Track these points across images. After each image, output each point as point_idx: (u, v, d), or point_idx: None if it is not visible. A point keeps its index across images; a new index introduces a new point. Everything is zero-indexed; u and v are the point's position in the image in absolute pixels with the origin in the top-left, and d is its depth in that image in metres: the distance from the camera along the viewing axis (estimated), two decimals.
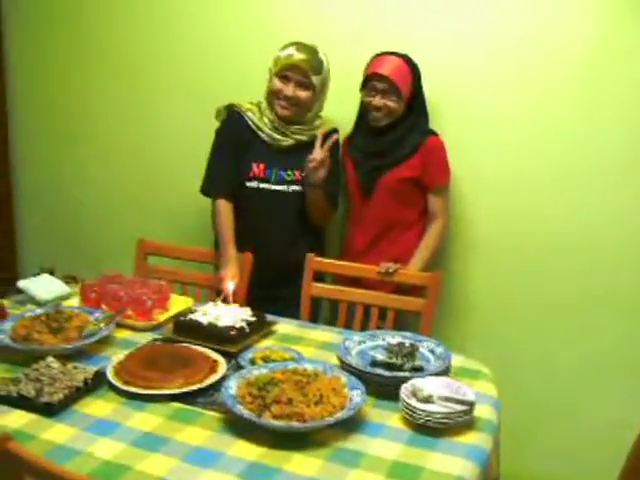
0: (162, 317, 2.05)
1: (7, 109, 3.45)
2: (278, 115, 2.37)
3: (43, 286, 2.20)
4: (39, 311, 1.98)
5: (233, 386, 1.54)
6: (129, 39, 3.09)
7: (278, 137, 2.39)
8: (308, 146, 2.36)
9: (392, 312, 2.22)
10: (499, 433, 1.58)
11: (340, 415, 1.43)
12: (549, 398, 2.61)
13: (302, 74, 2.30)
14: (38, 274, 2.48)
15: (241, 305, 2.06)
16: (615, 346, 2.49)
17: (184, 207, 2.70)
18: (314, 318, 2.35)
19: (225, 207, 2.39)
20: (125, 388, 1.60)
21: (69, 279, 2.49)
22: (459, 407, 1.46)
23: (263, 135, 2.39)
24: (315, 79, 2.32)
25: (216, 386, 1.60)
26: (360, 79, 2.41)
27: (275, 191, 2.41)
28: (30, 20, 3.31)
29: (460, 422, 1.44)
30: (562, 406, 2.60)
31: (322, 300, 2.44)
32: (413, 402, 1.48)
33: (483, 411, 1.54)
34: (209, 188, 2.44)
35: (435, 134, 2.41)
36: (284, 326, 2.06)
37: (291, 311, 2.26)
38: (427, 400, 1.49)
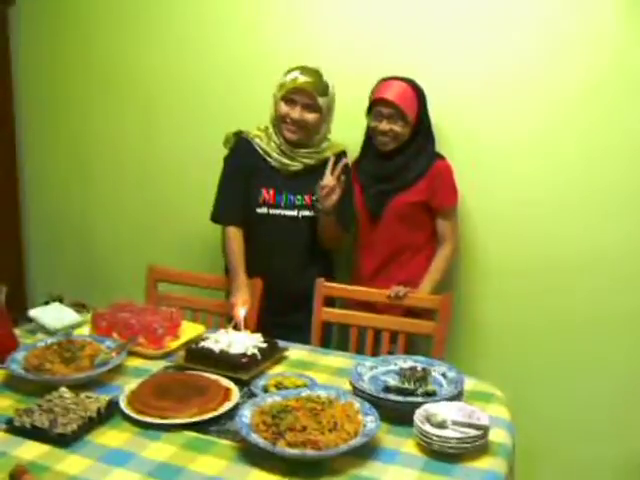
0: (173, 344, 2.05)
1: (17, 139, 3.49)
2: (286, 139, 2.38)
3: (53, 315, 2.21)
4: (51, 340, 1.98)
5: (247, 414, 1.54)
6: (139, 66, 3.13)
7: (286, 162, 2.40)
8: (317, 170, 2.37)
9: (403, 336, 2.21)
10: (514, 457, 1.57)
11: (354, 442, 1.42)
12: (563, 419, 2.60)
13: (308, 97, 2.31)
14: (47, 302, 2.50)
15: (252, 331, 2.06)
16: (630, 365, 2.48)
17: (194, 234, 2.72)
18: (325, 343, 2.34)
19: (235, 234, 2.39)
20: (139, 418, 1.59)
21: (79, 307, 2.51)
22: (473, 432, 1.45)
23: (271, 160, 2.40)
24: (321, 101, 2.32)
25: (229, 414, 1.60)
26: (366, 103, 2.43)
27: (285, 216, 2.41)
28: (37, 45, 3.36)
29: (475, 447, 1.43)
30: (576, 427, 2.58)
31: (332, 325, 2.44)
32: (427, 428, 1.47)
33: (497, 435, 1.53)
34: (219, 216, 2.45)
35: (442, 157, 2.43)
36: (296, 352, 2.06)
37: (302, 336, 2.26)
38: (441, 425, 1.49)
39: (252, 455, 1.45)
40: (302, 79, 2.31)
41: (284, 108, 2.35)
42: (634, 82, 2.32)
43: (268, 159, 2.41)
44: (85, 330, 2.17)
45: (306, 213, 2.42)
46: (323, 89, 2.33)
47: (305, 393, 1.63)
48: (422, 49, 2.57)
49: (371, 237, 2.49)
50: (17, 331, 2.14)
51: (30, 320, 2.21)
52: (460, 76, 2.53)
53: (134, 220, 3.27)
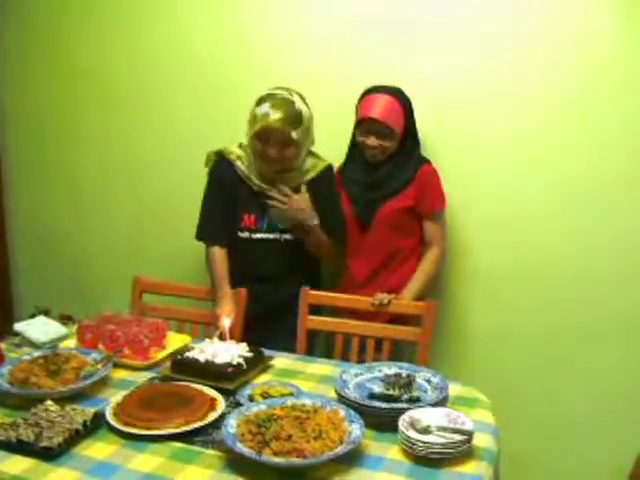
0: (159, 355, 2.05)
1: (1, 151, 3.47)
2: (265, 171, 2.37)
3: (39, 328, 2.20)
4: (37, 354, 1.98)
5: (233, 424, 1.55)
6: (124, 78, 3.13)
7: (267, 187, 2.38)
8: (299, 192, 2.37)
9: (388, 342, 2.23)
10: (499, 461, 1.59)
11: (340, 449, 1.43)
12: (550, 425, 2.62)
13: (282, 134, 2.25)
14: (34, 315, 2.49)
15: (238, 341, 2.07)
16: (618, 372, 2.50)
17: (182, 246, 2.71)
18: (310, 350, 2.35)
19: (218, 253, 2.41)
20: (125, 429, 1.60)
21: (65, 319, 2.50)
22: (458, 437, 1.47)
23: (252, 185, 2.39)
24: (296, 134, 2.26)
25: (215, 424, 1.61)
26: (351, 108, 2.44)
27: (267, 240, 2.41)
28: (19, 55, 3.35)
29: (459, 452, 1.45)
30: (563, 433, 2.60)
31: (318, 332, 2.45)
32: (412, 434, 1.49)
33: (482, 440, 1.54)
34: (202, 235, 2.46)
35: (427, 162, 2.45)
36: (281, 360, 2.06)
37: (288, 342, 2.27)
38: (426, 431, 1.50)
39: (238, 464, 1.46)
40: (273, 117, 2.23)
41: (259, 146, 2.30)
42: (623, 82, 2.34)
43: (249, 182, 2.40)
44: (71, 343, 2.17)
45: (288, 236, 2.42)
46: (296, 121, 2.27)
47: (290, 402, 1.64)
48: (409, 55, 2.57)
49: (361, 244, 2.50)
50: (3, 345, 2.14)
51: (16, 334, 2.20)
52: (448, 81, 2.55)
53: (122, 232, 3.27)
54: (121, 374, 1.97)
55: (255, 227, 2.40)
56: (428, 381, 1.77)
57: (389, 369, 1.84)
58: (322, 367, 2.02)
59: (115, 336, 2.05)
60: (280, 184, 2.35)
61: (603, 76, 2.36)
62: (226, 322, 2.07)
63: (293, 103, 2.27)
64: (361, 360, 2.19)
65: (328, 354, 2.32)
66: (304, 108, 2.30)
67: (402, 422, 1.52)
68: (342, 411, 1.59)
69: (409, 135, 2.42)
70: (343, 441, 1.48)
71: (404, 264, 2.47)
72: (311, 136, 2.39)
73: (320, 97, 2.61)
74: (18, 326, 2.20)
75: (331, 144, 2.51)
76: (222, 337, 2.04)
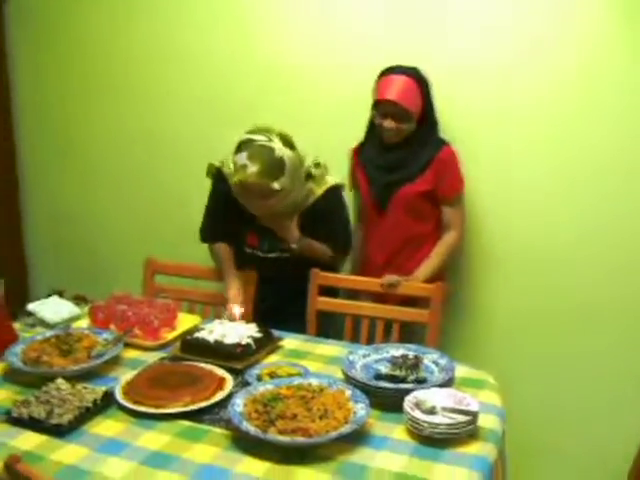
0: (170, 336, 2.07)
1: (14, 135, 3.51)
2: None
3: (52, 308, 2.23)
4: (49, 334, 2.01)
5: (240, 403, 1.57)
6: (136, 60, 3.13)
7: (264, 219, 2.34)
8: (298, 218, 2.33)
9: (397, 324, 2.23)
10: (504, 443, 1.59)
11: (344, 429, 1.44)
12: (562, 411, 2.61)
13: (261, 188, 2.12)
14: (49, 296, 2.53)
15: (247, 322, 2.09)
16: (628, 358, 2.48)
17: (194, 227, 2.72)
18: (324, 332, 2.34)
19: (222, 246, 2.44)
20: (134, 407, 1.62)
21: (79, 299, 2.53)
22: (462, 418, 1.47)
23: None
24: (278, 184, 2.11)
25: (223, 403, 1.63)
26: (368, 86, 2.39)
27: (270, 259, 2.39)
28: (32, 41, 3.37)
29: (464, 433, 1.45)
30: (574, 419, 2.60)
31: (331, 315, 2.44)
32: (417, 414, 1.49)
33: (487, 421, 1.55)
34: (206, 238, 2.48)
35: (447, 143, 2.39)
36: (291, 341, 2.08)
37: (299, 324, 2.29)
38: (431, 411, 1.50)
39: (244, 443, 1.47)
40: (250, 170, 2.07)
41: (239, 197, 2.21)
42: (630, 63, 2.30)
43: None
44: (84, 323, 2.20)
45: (287, 255, 2.37)
46: (277, 170, 2.11)
47: (297, 381, 1.65)
48: (424, 32, 2.53)
49: (378, 228, 2.47)
50: (16, 325, 2.18)
51: (29, 314, 2.23)
52: (463, 59, 2.50)
53: (135, 214, 3.30)
54: (132, 354, 2.00)
55: (257, 247, 2.40)
56: (435, 363, 1.78)
57: (396, 350, 1.85)
58: (331, 348, 2.03)
59: (126, 316, 2.08)
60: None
61: (612, 58, 2.32)
62: (236, 310, 2.09)
63: (272, 150, 2.10)
64: (371, 342, 2.20)
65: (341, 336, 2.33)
66: (287, 153, 2.13)
67: (408, 402, 1.53)
68: (348, 391, 1.60)
69: (427, 116, 2.38)
70: (348, 420, 1.49)
71: (421, 248, 2.44)
72: (300, 177, 2.24)
73: (339, 77, 2.60)
74: (32, 306, 2.24)
75: (352, 125, 2.49)
76: (231, 318, 2.06)
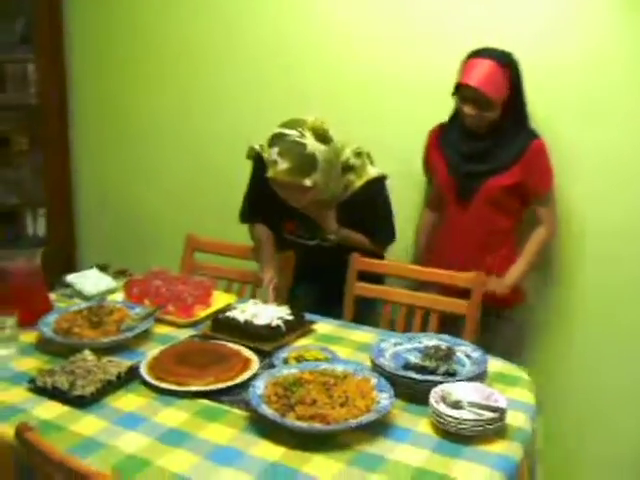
0: (203, 313, 2.05)
1: (68, 110, 3.57)
2: None
3: (90, 281, 2.25)
4: (84, 305, 2.02)
5: (261, 385, 1.53)
6: (183, 42, 3.13)
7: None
8: (337, 209, 2.24)
9: (436, 314, 2.14)
10: (534, 443, 1.50)
11: (363, 418, 1.39)
12: (597, 412, 2.49)
13: (292, 186, 2.07)
14: (92, 267, 2.55)
15: (282, 303, 2.05)
16: None
17: (235, 206, 2.71)
18: (362, 319, 2.25)
19: (262, 227, 2.38)
20: (155, 383, 1.61)
21: (120, 273, 2.54)
22: (489, 414, 1.39)
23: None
24: (310, 180, 2.04)
25: (245, 385, 1.59)
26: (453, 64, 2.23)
27: (309, 246, 2.32)
28: (92, 27, 3.41)
29: (489, 430, 1.38)
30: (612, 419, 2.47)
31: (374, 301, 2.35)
32: (442, 407, 1.43)
33: (516, 419, 1.47)
34: (247, 219, 2.42)
35: (537, 136, 2.21)
36: (324, 326, 2.02)
37: (338, 311, 2.24)
38: (457, 406, 1.44)
39: (262, 426, 1.44)
40: (280, 167, 2.02)
41: (276, 189, 2.14)
42: None
43: None
44: (119, 296, 2.20)
45: (326, 244, 2.29)
46: (309, 167, 2.03)
47: (322, 367, 1.61)
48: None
49: (458, 221, 2.31)
50: (54, 295, 2.21)
51: (67, 285, 2.25)
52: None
53: (179, 189, 3.30)
54: (163, 330, 1.99)
55: (296, 234, 2.34)
56: (468, 356, 1.69)
57: (429, 340, 1.77)
58: (364, 335, 1.97)
59: (160, 292, 2.08)
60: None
61: None
62: (270, 292, 2.06)
63: (304, 147, 2.02)
64: (408, 330, 2.13)
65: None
66: (319, 149, 2.04)
67: (434, 395, 1.46)
68: (374, 379, 1.55)
69: (515, 105, 2.18)
70: (370, 410, 1.43)
71: (503, 245, 2.29)
72: (336, 170, 2.16)
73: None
74: (70, 277, 2.26)
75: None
76: (265, 300, 2.03)
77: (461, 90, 2.17)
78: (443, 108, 2.35)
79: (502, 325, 2.29)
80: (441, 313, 2.14)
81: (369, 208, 2.25)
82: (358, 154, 2.22)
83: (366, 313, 2.26)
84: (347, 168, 2.21)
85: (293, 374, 1.56)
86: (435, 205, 2.46)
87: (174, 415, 1.51)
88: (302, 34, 2.79)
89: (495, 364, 1.75)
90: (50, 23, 3.34)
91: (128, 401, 1.57)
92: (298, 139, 2.03)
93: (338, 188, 2.20)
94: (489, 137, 2.21)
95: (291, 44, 2.83)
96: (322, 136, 2.07)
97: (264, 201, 2.30)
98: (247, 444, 1.40)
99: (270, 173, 2.06)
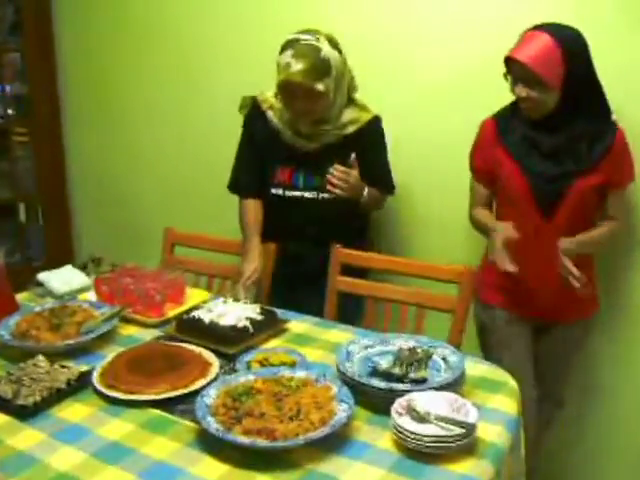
0: (173, 312, 1.93)
1: (59, 102, 3.49)
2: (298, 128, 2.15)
3: (62, 279, 2.15)
4: (47, 306, 1.92)
5: (212, 394, 1.41)
6: (175, 26, 3.01)
7: (301, 141, 2.15)
8: (339, 148, 2.13)
9: (421, 310, 1.99)
10: (512, 458, 1.35)
11: (314, 434, 1.25)
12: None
13: (305, 88, 1.99)
14: (85, 264, 2.46)
15: (266, 299, 1.92)
16: None
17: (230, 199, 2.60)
18: (347, 316, 2.13)
19: (253, 203, 2.23)
20: (104, 391, 1.50)
21: (114, 267, 2.44)
22: (456, 430, 1.25)
23: (286, 138, 2.17)
24: (323, 85, 2.00)
25: (200, 392, 1.47)
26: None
27: (303, 198, 2.17)
28: (81, 8, 3.30)
29: (453, 448, 1.23)
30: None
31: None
32: (403, 421, 1.28)
33: (490, 433, 1.31)
34: (235, 187, 2.29)
35: (617, 126, 1.92)
36: (299, 324, 1.89)
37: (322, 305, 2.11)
38: (423, 419, 1.29)
39: (209, 440, 1.31)
40: (294, 68, 1.97)
41: (284, 98, 2.08)
42: None
43: (282, 136, 2.17)
44: (93, 295, 2.09)
45: (326, 195, 2.14)
46: (323, 71, 1.99)
47: (281, 373, 1.47)
48: None
49: (542, 234, 1.91)
50: (26, 294, 2.12)
51: (39, 284, 2.16)
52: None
53: (176, 181, 3.20)
54: (130, 330, 1.88)
55: (289, 183, 2.18)
56: (445, 359, 1.54)
57: (406, 342, 1.62)
58: (340, 334, 1.82)
59: (129, 290, 1.96)
60: (334, 165, 2.08)
61: None
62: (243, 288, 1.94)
63: (319, 50, 1.99)
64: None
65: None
66: (333, 55, 2.02)
67: (397, 406, 1.32)
68: (334, 388, 1.41)
69: (580, 89, 1.84)
70: (326, 423, 1.30)
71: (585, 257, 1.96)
72: (347, 84, 2.11)
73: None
74: (41, 276, 2.16)
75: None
76: (237, 297, 1.91)
77: (509, 66, 1.87)
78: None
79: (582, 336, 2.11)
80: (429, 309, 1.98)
81: (377, 147, 2.22)
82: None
83: (350, 309, 2.13)
84: (351, 100, 2.17)
85: (245, 382, 1.43)
86: (487, 205, 2.11)
87: (119, 427, 1.39)
88: (305, 17, 2.60)
89: (479, 368, 1.60)
90: (38, 10, 3.26)
91: (74, 411, 1.46)
92: (314, 42, 2.01)
93: (346, 113, 2.15)
94: (563, 129, 1.87)
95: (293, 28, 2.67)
96: (336, 44, 2.06)
97: (257, 161, 2.21)
98: (190, 460, 1.27)
99: (282, 76, 2.00)
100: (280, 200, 2.20)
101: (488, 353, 2.10)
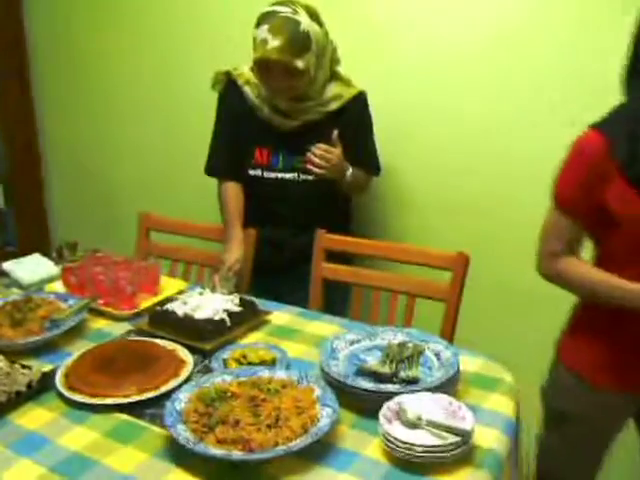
0: (146, 304, 1.80)
1: (33, 94, 3.35)
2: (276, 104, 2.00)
3: (29, 267, 2.01)
4: (11, 298, 1.79)
5: (183, 398, 1.28)
6: (155, 14, 2.85)
7: (280, 119, 2.01)
8: (320, 125, 1.98)
9: (412, 298, 1.87)
10: (512, 466, 1.24)
11: (295, 444, 1.13)
12: None
13: (283, 65, 1.84)
14: (60, 248, 2.32)
15: (246, 289, 1.80)
16: None
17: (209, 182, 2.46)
18: (333, 305, 2.01)
19: (232, 188, 2.09)
20: (67, 394, 1.37)
21: (94, 252, 2.31)
22: (450, 437, 1.13)
23: (263, 116, 2.03)
24: (302, 62, 1.84)
25: (171, 395, 1.35)
26: None
27: (282, 180, 2.04)
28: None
29: (447, 458, 1.11)
30: None
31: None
32: (393, 428, 1.17)
33: (487, 438, 1.20)
34: (212, 170, 2.14)
35: None
36: (281, 315, 1.76)
37: (307, 293, 1.99)
38: (414, 424, 1.18)
39: (180, 449, 1.19)
40: (271, 44, 1.81)
41: (261, 76, 1.92)
42: None
43: (259, 113, 2.02)
44: (60, 285, 1.96)
45: (307, 177, 2.02)
46: (302, 46, 1.83)
47: (259, 374, 1.35)
48: None
49: None
50: None
51: (4, 274, 2.02)
52: None
53: (153, 170, 3.06)
54: (100, 324, 1.75)
55: (267, 164, 2.04)
56: (437, 355, 1.42)
57: (394, 337, 1.50)
58: (325, 326, 1.70)
59: (98, 280, 1.83)
60: (315, 145, 1.93)
61: None
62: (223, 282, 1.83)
63: (297, 24, 1.82)
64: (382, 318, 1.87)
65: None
66: (313, 28, 1.85)
67: (386, 411, 1.20)
68: (318, 390, 1.29)
69: None
70: (307, 430, 1.18)
71: None
72: (329, 58, 1.97)
73: None
74: (7, 265, 2.02)
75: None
76: (214, 287, 1.78)
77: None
78: None
79: None
80: (420, 297, 1.86)
81: (362, 124, 2.08)
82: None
83: (336, 297, 2.01)
84: (334, 75, 2.03)
85: (219, 385, 1.30)
86: (574, 252, 1.45)
87: (83, 435, 1.27)
88: None
89: (474, 362, 1.48)
90: None
91: (35, 417, 1.33)
92: (291, 15, 1.84)
93: (329, 88, 2.00)
94: None
95: None
96: (315, 16, 1.89)
97: (234, 140, 2.07)
98: (156, 474, 1.15)
99: (258, 53, 1.84)
100: (259, 182, 2.06)
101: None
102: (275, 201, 2.06)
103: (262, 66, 1.87)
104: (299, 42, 1.82)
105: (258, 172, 2.06)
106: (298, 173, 2.02)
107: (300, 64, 1.83)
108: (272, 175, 2.05)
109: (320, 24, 1.89)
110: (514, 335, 2.25)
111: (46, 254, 2.27)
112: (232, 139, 2.08)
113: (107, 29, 3.00)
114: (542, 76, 2.05)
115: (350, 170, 2.01)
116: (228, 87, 2.06)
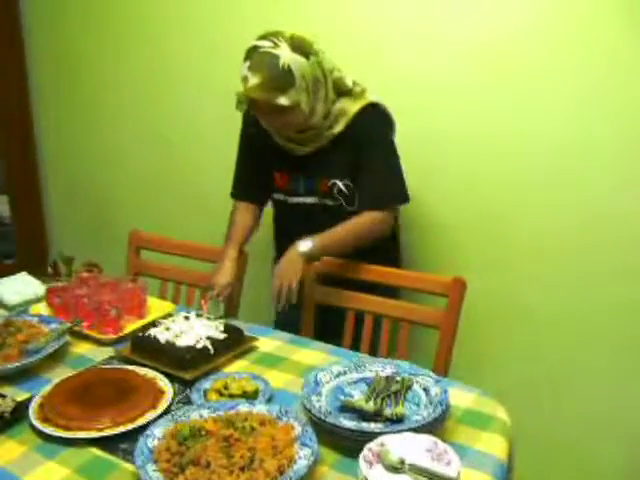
0: (131, 327, 1.75)
1: (30, 99, 3.33)
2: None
3: (15, 288, 1.97)
4: None
5: (157, 434, 1.22)
6: (152, 20, 2.83)
7: (292, 146, 1.92)
8: (332, 148, 1.88)
9: (406, 324, 1.80)
10: None
11: None
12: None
13: (265, 104, 1.75)
14: (55, 262, 2.28)
15: (232, 314, 1.74)
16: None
17: (211, 197, 2.39)
18: (327, 330, 1.93)
19: (242, 209, 2.05)
20: (39, 427, 1.31)
21: (90, 266, 2.27)
22: None
23: (278, 141, 1.94)
24: (285, 99, 1.72)
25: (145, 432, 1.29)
26: None
27: (305, 204, 1.96)
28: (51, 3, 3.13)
29: None
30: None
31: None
32: (373, 472, 1.10)
33: None
34: (234, 194, 2.09)
35: None
36: (269, 342, 1.70)
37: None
38: (396, 468, 1.11)
39: None
40: (251, 82, 1.71)
41: (253, 112, 1.84)
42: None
43: (275, 138, 1.94)
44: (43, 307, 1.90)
45: (329, 202, 1.93)
46: (283, 83, 1.71)
47: (236, 409, 1.29)
48: None
49: None
50: None
51: None
52: None
53: (149, 177, 3.03)
54: (82, 348, 1.70)
55: (289, 189, 1.97)
56: (426, 390, 1.35)
57: (383, 368, 1.44)
58: (313, 354, 1.63)
59: (81, 303, 1.77)
60: None
61: None
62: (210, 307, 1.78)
63: (277, 58, 1.69)
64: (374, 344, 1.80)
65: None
66: (296, 61, 1.71)
67: (367, 453, 1.13)
68: (298, 428, 1.22)
69: None
70: (283, 472, 1.11)
71: None
72: (329, 87, 1.83)
73: None
74: None
75: None
76: (200, 312, 1.73)
77: None
78: None
79: None
80: (414, 323, 1.79)
81: (371, 143, 1.86)
82: (358, 84, 1.90)
83: (331, 322, 1.94)
84: (344, 91, 1.87)
85: (194, 422, 1.24)
86: None
87: (52, 472, 1.21)
88: (293, 16, 2.41)
89: (466, 397, 1.41)
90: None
91: (5, 451, 1.28)
92: (271, 50, 1.71)
93: (334, 108, 1.85)
94: None
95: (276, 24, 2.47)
96: (301, 47, 1.74)
97: (255, 155, 2.00)
98: None
99: (244, 90, 1.74)
100: (284, 206, 2.01)
101: None
102: (300, 225, 1.94)
103: (250, 104, 1.78)
104: (279, 79, 1.70)
105: (281, 196, 2.00)
106: (319, 198, 1.94)
107: (283, 101, 1.72)
108: (294, 200, 1.97)
109: (306, 55, 1.74)
110: (512, 366, 2.20)
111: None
112: (249, 161, 2.03)
113: (108, 44, 2.99)
114: None
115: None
116: (246, 112, 1.94)
